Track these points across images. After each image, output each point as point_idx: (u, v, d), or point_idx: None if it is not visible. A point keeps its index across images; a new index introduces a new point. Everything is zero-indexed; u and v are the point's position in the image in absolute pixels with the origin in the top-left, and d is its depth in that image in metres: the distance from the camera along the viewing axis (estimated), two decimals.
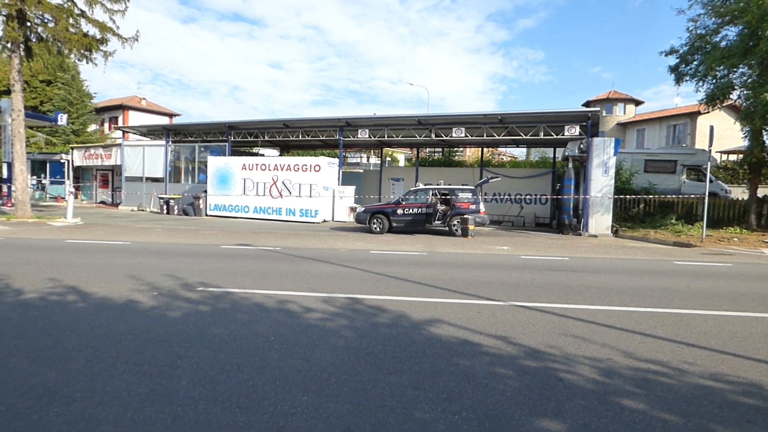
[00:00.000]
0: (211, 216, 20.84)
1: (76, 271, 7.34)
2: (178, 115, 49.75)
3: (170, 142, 24.63)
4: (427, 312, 5.48)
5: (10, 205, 21.45)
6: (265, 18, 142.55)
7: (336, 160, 20.66)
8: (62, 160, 29.06)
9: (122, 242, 11.32)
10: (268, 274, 7.53)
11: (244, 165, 20.39)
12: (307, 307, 5.57)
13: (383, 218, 15.20)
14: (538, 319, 5.31)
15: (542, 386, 3.59)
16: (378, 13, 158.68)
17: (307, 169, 19.28)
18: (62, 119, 24.39)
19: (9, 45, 15.72)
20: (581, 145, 16.29)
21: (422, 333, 4.72)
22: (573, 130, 17.16)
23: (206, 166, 22.30)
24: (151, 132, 26.61)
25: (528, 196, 21.77)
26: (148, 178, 25.16)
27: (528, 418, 3.14)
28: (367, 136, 21.09)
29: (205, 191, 21.34)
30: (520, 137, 19.36)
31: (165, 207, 22.03)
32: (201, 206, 20.97)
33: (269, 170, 19.91)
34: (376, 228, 15.19)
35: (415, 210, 15.09)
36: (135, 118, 43.17)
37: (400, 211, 15.16)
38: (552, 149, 22.65)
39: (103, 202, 29.09)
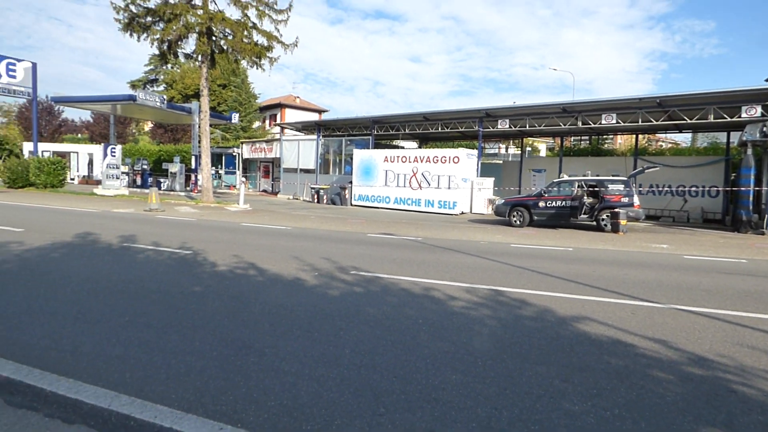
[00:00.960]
0: (355, 206, 22.27)
1: (252, 251, 8.55)
2: (326, 111, 53.57)
3: (320, 137, 26.80)
4: (573, 308, 5.36)
5: (197, 191, 25.39)
6: (405, 13, 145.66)
7: (474, 152, 20.57)
8: (234, 153, 33.40)
9: (284, 227, 12.77)
10: (412, 263, 7.94)
11: (386, 157, 21.37)
12: (451, 296, 5.81)
13: (524, 211, 14.81)
14: (705, 326, 4.87)
15: (710, 395, 3.36)
16: None
17: (446, 160, 19.53)
18: (235, 118, 28.06)
19: (200, 57, 18.58)
20: (765, 128, 13.98)
21: (569, 329, 4.67)
22: (753, 111, 14.77)
23: (352, 159, 23.83)
24: (304, 127, 29.21)
25: (693, 188, 19.32)
26: (301, 170, 27.73)
27: (692, 425, 2.99)
28: (507, 126, 20.60)
29: (351, 182, 22.85)
30: (684, 122, 17.23)
31: (316, 196, 24.11)
32: (347, 196, 22.52)
33: (409, 162, 20.58)
34: (516, 221, 14.87)
35: (559, 203, 14.43)
36: (291, 115, 47.61)
37: (542, 204, 14.62)
38: (725, 133, 19.69)
39: (264, 191, 32.80)
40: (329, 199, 23.56)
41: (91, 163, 36.38)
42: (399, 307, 5.28)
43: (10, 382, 3.22)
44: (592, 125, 19.48)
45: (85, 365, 3.54)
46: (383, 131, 24.63)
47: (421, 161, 20.21)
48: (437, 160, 19.75)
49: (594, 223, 13.91)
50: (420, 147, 30.08)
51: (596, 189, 14.19)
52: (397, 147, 30.30)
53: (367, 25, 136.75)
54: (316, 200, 24.08)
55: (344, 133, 26.58)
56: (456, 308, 5.29)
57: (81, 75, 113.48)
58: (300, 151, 27.72)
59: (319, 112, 53.05)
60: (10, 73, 23.95)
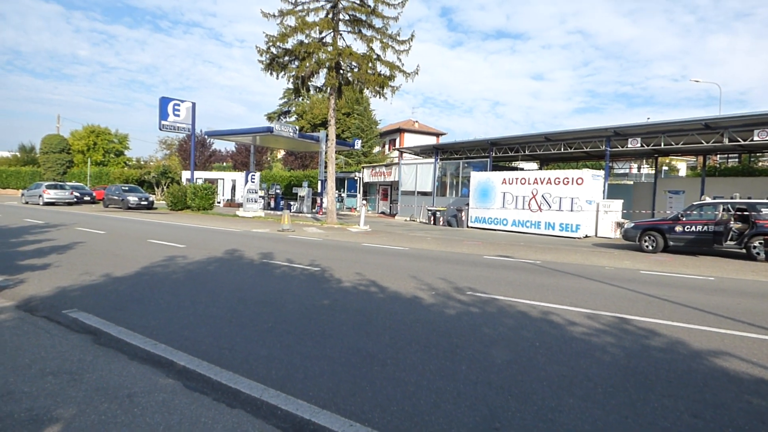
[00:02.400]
0: (471, 227, 22.21)
1: (372, 269, 9.08)
2: (444, 134, 54.22)
3: (438, 160, 27.28)
4: (710, 342, 4.94)
5: (322, 213, 27.28)
6: (527, 31, 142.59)
7: (601, 173, 19.44)
8: (355, 178, 35.33)
9: (401, 248, 13.25)
10: (530, 286, 7.84)
11: (504, 179, 21.09)
12: (571, 321, 5.68)
13: (657, 236, 13.64)
14: None
15: None
16: (657, 5, 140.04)
17: (568, 182, 18.74)
18: (358, 144, 29.79)
19: (329, 89, 20.28)
20: None
21: (703, 363, 4.33)
22: None
23: (469, 181, 23.88)
24: (422, 151, 29.96)
25: None
26: (418, 192, 28.40)
27: None
28: (638, 145, 19.17)
29: (467, 204, 22.87)
30: None
31: (432, 218, 24.50)
32: (463, 218, 22.57)
33: (529, 184, 20.08)
34: (647, 246, 13.74)
35: (700, 227, 13.05)
36: (409, 139, 49.08)
37: (678, 228, 13.34)
38: None
39: (383, 213, 34.08)
40: (445, 221, 23.79)
41: (234, 188, 41.02)
42: (515, 328, 5.31)
43: (186, 371, 3.95)
44: (742, 142, 17.33)
45: (240, 361, 4.19)
46: (501, 153, 24.36)
47: (542, 183, 19.62)
48: (559, 182, 19.03)
49: (743, 250, 12.33)
50: (540, 168, 29.11)
51: (746, 213, 12.60)
52: (515, 169, 29.64)
53: (488, 45, 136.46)
54: (432, 222, 24.46)
55: (461, 156, 26.78)
56: (575, 333, 5.18)
57: (227, 110, 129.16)
58: (417, 174, 28.47)
59: (437, 135, 53.92)
60: (176, 112, 28.31)
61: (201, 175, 40.12)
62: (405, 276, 8.38)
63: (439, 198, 26.84)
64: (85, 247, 11.00)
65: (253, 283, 7.40)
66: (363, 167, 36.00)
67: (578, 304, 6.52)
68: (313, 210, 30.83)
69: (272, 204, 32.67)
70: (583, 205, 18.22)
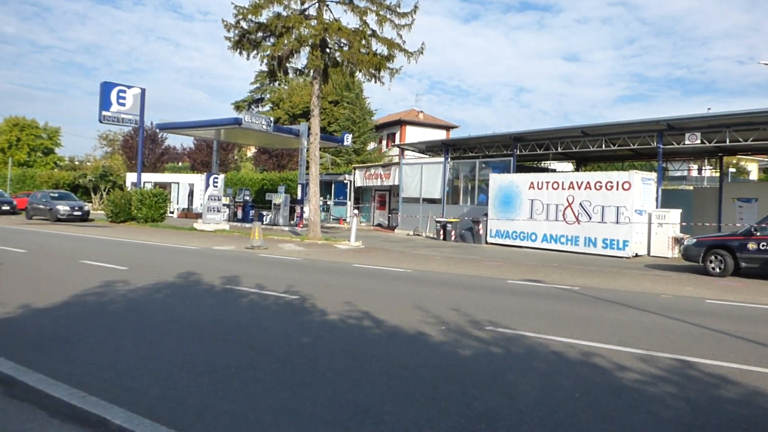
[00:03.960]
0: (491, 244, 22.16)
1: (366, 297, 9.02)
2: (456, 127, 54.52)
3: (448, 159, 27.34)
4: None
5: (302, 226, 27.21)
6: (559, 2, 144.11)
7: (653, 175, 19.43)
8: (345, 181, 35.37)
9: (403, 269, 13.18)
10: (566, 319, 7.77)
11: (531, 183, 21.12)
12: (619, 364, 5.59)
13: (725, 255, 13.60)
14: None
15: None
16: None
17: (612, 186, 18.73)
18: (347, 139, 29.90)
19: (311, 72, 20.35)
20: None
21: None
22: None
23: (487, 186, 23.89)
24: (429, 148, 30.03)
25: None
26: (424, 199, 28.41)
27: None
28: (697, 141, 19.23)
29: (486, 214, 22.85)
30: None
31: (441, 232, 24.46)
32: (480, 232, 22.54)
33: (562, 189, 20.10)
34: (714, 268, 13.69)
35: None
36: (412, 134, 49.26)
37: (752, 246, 13.31)
38: None
39: (379, 225, 34.05)
40: (458, 236, 23.73)
41: (191, 194, 41.02)
42: (549, 375, 5.21)
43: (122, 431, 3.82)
44: None
45: (193, 419, 4.06)
46: (528, 151, 24.42)
47: (579, 188, 19.62)
48: (600, 186, 19.03)
49: None
50: (577, 170, 29.17)
51: None
52: (545, 170, 29.67)
53: (510, 19, 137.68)
54: (442, 237, 24.43)
55: (478, 154, 26.83)
56: (626, 381, 5.08)
57: (185, 97, 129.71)
58: (423, 177, 28.50)
59: (447, 128, 54.20)
60: (121, 100, 28.31)
61: (150, 178, 40.11)
62: (407, 306, 8.31)
63: (451, 206, 26.84)
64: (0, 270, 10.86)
65: (214, 316, 7.31)
66: (354, 168, 36.08)
67: (628, 343, 6.45)
68: (292, 222, 30.73)
69: (239, 214, 32.62)
70: (631, 216, 18.19)
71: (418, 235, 27.28)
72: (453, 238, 23.88)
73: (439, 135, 49.33)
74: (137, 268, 11.57)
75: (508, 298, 9.45)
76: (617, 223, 18.47)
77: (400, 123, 51.73)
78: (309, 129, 23.62)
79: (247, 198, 33.33)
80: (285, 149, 46.99)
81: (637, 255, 18.36)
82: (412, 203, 29.12)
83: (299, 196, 28.25)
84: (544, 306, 8.72)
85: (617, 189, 18.63)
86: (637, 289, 10.97)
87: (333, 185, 36.35)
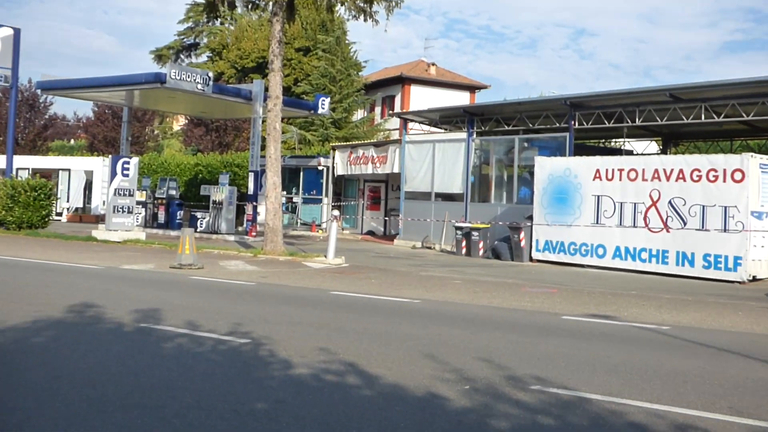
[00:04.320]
0: (538, 261, 22.13)
1: (351, 341, 8.97)
2: (485, 87, 54.66)
3: (474, 135, 27.32)
4: None
5: (254, 234, 27.10)
6: None
7: None
8: (319, 167, 35.34)
9: (406, 299, 13.17)
10: (650, 374, 7.75)
11: (597, 171, 21.09)
12: None
13: None
14: None
15: None
16: None
17: (716, 177, 18.74)
18: (324, 105, 29.87)
19: (270, 5, 20.26)
20: None
21: None
22: None
23: (531, 175, 23.85)
24: (444, 119, 30.01)
25: None
26: (438, 195, 28.37)
27: None
28: None
29: (530, 217, 22.81)
30: None
31: (464, 243, 24.40)
32: (522, 243, 22.50)
33: (643, 180, 20.07)
34: None
35: None
36: (420, 97, 49.24)
37: None
38: None
39: (371, 233, 34.01)
40: (488, 249, 23.68)
41: (89, 186, 40.83)
42: None
43: None
44: None
45: None
46: (591, 123, 24.43)
47: (668, 178, 19.59)
48: (699, 177, 19.04)
49: None
50: (664, 151, 29.20)
51: None
52: (617, 151, 29.68)
53: None
54: (464, 250, 24.38)
55: (517, 128, 26.82)
56: None
57: (81, 42, 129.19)
58: (436, 162, 28.47)
59: (472, 89, 54.28)
60: None
61: (27, 163, 39.92)
62: (413, 354, 8.29)
63: (477, 206, 26.83)
64: None
65: (120, 371, 7.24)
66: (334, 148, 36.05)
67: (746, 411, 6.39)
68: (240, 228, 30.69)
69: (161, 217, 32.54)
70: (745, 221, 18.19)
71: (429, 247, 27.24)
72: (481, 252, 23.84)
73: (460, 99, 49.39)
74: (7, 299, 11.46)
75: (563, 342, 9.43)
76: (725, 231, 18.45)
77: (402, 81, 51.71)
78: (266, 90, 23.51)
79: (174, 193, 33.25)
80: (230, 120, 46.93)
81: (755, 278, 18.36)
82: (419, 200, 29.10)
83: (251, 190, 28.18)
84: (618, 354, 8.70)
85: (724, 180, 18.64)
86: (756, 330, 10.95)
87: (302, 173, 36.34)
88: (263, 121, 25.24)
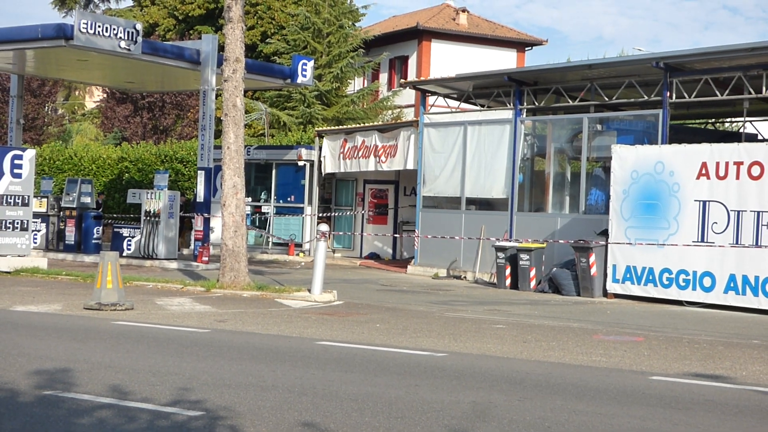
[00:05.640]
0: (616, 295, 22.10)
1: (348, 412, 8.93)
2: (539, 43, 54.91)
3: (522, 113, 27.33)
4: None
5: (206, 259, 27.13)
6: None
7: None
8: (299, 162, 35.34)
9: (426, 352, 13.19)
10: None
11: (704, 166, 21.05)
12: None
13: None
14: None
15: None
16: None
17: None
18: (305, 72, 29.82)
19: None
20: None
21: None
22: None
23: (606, 171, 23.85)
24: (479, 90, 30.03)
25: None
26: (471, 202, 28.40)
27: None
28: None
29: (604, 232, 22.80)
30: None
31: (508, 271, 24.42)
32: (593, 271, 22.48)
33: None
34: None
35: None
36: (444, 58, 49.37)
37: None
38: None
39: (374, 256, 34.04)
40: (543, 279, 23.72)
41: None
42: None
43: None
44: None
45: None
46: (694, 95, 24.41)
47: None
48: None
49: None
50: None
51: None
52: (732, 136, 29.69)
53: None
54: (508, 281, 24.42)
55: (587, 103, 26.82)
56: None
57: None
58: (468, 153, 28.46)
59: (520, 46, 54.39)
60: None
61: None
62: (436, 430, 8.30)
63: (527, 216, 26.90)
64: None
65: None
66: (320, 135, 36.02)
67: None
68: (185, 250, 30.75)
69: (71, 235, 32.53)
70: None
71: (459, 277, 27.32)
72: (533, 283, 23.88)
73: (504, 61, 49.51)
74: None
75: (652, 414, 9.38)
76: None
77: (420, 35, 51.88)
78: (221, 50, 23.69)
79: (88, 200, 33.23)
80: (169, 94, 46.91)
81: None
82: (444, 210, 29.20)
83: (200, 196, 28.23)
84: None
85: None
86: None
87: (274, 172, 36.35)
88: (218, 96, 25.36)
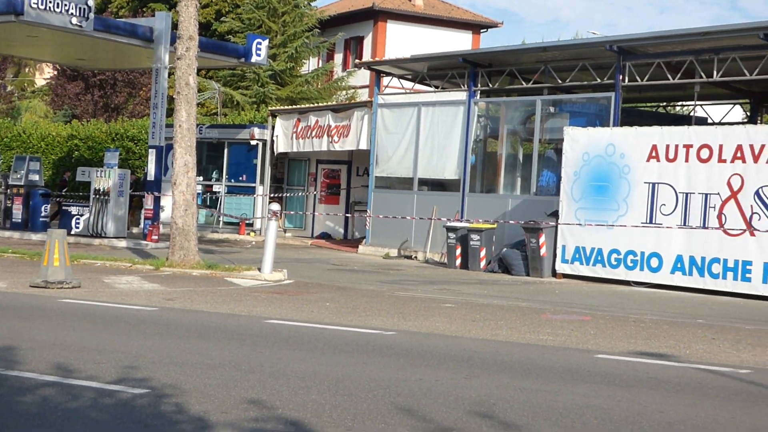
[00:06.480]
0: (565, 275, 22.26)
1: (295, 390, 8.93)
2: (494, 25, 54.96)
3: (476, 95, 27.39)
4: None
5: (156, 238, 27.01)
6: None
7: None
8: (252, 141, 35.23)
9: (375, 330, 13.23)
10: None
11: (654, 149, 21.17)
12: None
13: None
14: None
15: None
16: None
17: None
18: (260, 51, 29.71)
19: None
20: None
21: None
22: None
23: (557, 153, 23.94)
24: (434, 72, 30.06)
25: None
26: (423, 183, 28.44)
27: None
28: None
29: (554, 213, 22.90)
30: None
31: (459, 251, 24.49)
32: (543, 251, 22.58)
33: (719, 162, 20.20)
34: None
35: None
36: (399, 39, 49.37)
37: None
38: None
39: (326, 236, 34.02)
40: (493, 259, 23.81)
41: None
42: None
43: None
44: None
45: None
46: (647, 78, 24.55)
47: (756, 158, 19.74)
48: None
49: None
50: (752, 120, 29.46)
51: None
52: (682, 119, 29.87)
53: None
54: (458, 260, 24.50)
55: (540, 85, 26.92)
56: None
57: None
58: (421, 134, 28.52)
59: (476, 28, 54.39)
60: None
61: None
62: (383, 407, 8.27)
63: (479, 197, 26.98)
64: None
65: None
66: (273, 114, 35.92)
67: None
68: (135, 229, 30.59)
69: (18, 213, 32.28)
70: None
71: (410, 256, 27.37)
72: (483, 263, 23.98)
73: (459, 43, 49.59)
74: None
75: (596, 391, 9.47)
76: None
77: (375, 16, 51.80)
78: (174, 28, 23.50)
79: (36, 178, 33.00)
80: (121, 72, 46.59)
81: None
82: (396, 190, 29.22)
83: (151, 175, 28.12)
84: (674, 409, 8.73)
85: None
86: None
87: (226, 151, 36.27)
88: (170, 74, 25.19)
